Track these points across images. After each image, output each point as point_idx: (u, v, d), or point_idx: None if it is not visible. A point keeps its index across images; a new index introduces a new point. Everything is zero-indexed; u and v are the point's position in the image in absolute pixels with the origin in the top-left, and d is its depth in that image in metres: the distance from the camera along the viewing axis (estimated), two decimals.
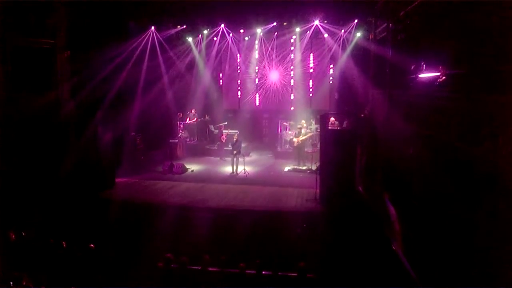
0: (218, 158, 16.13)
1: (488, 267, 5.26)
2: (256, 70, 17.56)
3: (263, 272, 7.35)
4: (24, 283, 6.08)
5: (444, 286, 6.32)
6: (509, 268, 4.78)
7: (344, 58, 15.46)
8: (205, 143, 17.34)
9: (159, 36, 15.55)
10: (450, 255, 6.34)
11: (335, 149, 10.82)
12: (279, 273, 7.31)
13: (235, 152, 13.79)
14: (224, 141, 16.07)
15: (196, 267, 7.55)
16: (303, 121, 15.42)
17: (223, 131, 16.41)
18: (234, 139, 14.19)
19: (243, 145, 14.78)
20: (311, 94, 17.15)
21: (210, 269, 7.56)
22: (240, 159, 13.79)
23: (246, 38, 16.93)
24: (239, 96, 18.00)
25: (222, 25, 15.83)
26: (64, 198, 10.81)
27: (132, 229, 9.69)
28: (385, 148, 10.73)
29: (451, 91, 6.87)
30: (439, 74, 7.22)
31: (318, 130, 13.64)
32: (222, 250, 8.49)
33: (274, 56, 17.15)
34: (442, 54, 7.23)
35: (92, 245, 7.80)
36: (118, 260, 7.86)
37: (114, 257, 7.92)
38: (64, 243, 7.88)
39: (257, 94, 17.71)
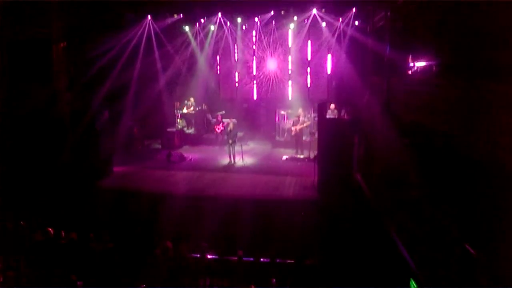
0: (216, 147, 16.10)
1: (487, 259, 5.29)
2: (254, 59, 17.46)
3: (261, 260, 7.41)
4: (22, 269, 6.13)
5: (442, 275, 6.37)
6: (509, 263, 4.80)
7: (342, 47, 15.37)
8: (203, 132, 17.29)
9: (155, 26, 15.37)
10: (448, 244, 6.38)
11: (333, 137, 10.83)
12: (277, 260, 7.38)
13: (230, 141, 13.76)
14: (219, 131, 15.98)
15: (195, 255, 7.60)
16: (301, 110, 15.39)
17: (223, 120, 16.34)
18: (229, 129, 14.11)
19: (240, 134, 14.74)
20: (309, 83, 17.08)
21: (209, 256, 7.62)
22: (238, 148, 13.77)
23: (244, 27, 16.81)
24: (236, 85, 17.91)
25: (219, 14, 15.71)
26: (62, 187, 10.82)
27: (130, 218, 9.73)
28: (383, 136, 10.73)
29: (448, 79, 6.87)
30: (437, 62, 7.21)
31: (316, 119, 13.63)
32: (220, 238, 8.55)
33: (271, 45, 17.02)
34: (440, 42, 7.21)
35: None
36: (116, 248, 7.91)
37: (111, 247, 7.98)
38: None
39: (254, 83, 17.62)
